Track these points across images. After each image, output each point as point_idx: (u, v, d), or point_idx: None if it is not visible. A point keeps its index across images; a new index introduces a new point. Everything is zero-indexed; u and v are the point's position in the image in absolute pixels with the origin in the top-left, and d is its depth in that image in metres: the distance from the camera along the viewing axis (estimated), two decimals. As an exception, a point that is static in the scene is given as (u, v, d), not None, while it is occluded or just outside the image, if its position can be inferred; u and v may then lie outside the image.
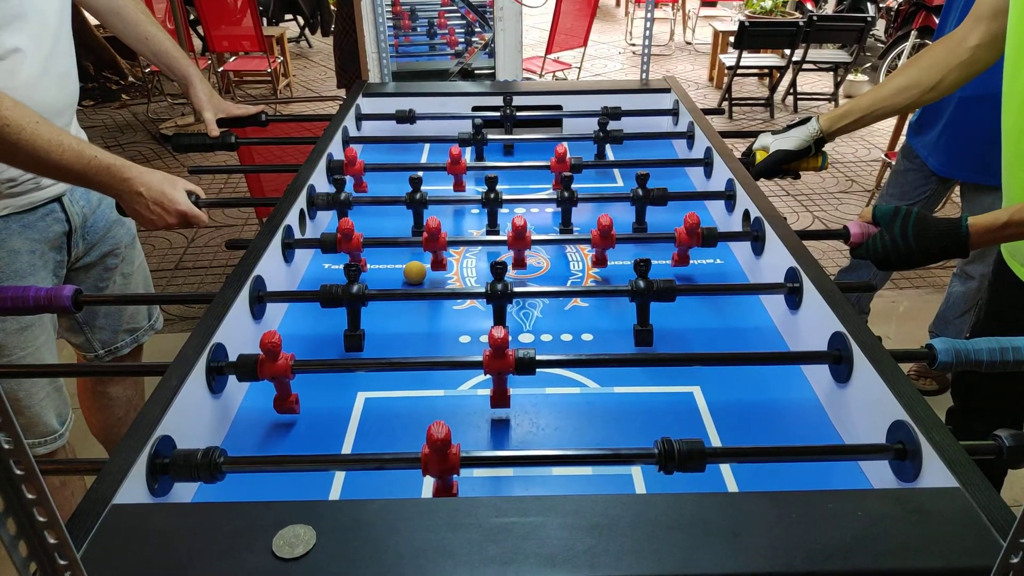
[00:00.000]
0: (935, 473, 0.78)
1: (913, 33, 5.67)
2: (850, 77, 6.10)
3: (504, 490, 0.91)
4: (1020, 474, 2.15)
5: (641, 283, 1.14)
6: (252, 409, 1.05)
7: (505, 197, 1.49)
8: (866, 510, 0.69)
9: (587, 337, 1.22)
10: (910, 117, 2.46)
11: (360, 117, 2.01)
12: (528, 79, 4.91)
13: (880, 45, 6.72)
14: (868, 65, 6.62)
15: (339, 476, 0.92)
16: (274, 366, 0.95)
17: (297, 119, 2.05)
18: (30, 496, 0.47)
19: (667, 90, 2.12)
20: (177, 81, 1.71)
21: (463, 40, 2.75)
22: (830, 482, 0.91)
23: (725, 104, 5.88)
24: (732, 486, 0.90)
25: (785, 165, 1.55)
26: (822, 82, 6.70)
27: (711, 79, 6.96)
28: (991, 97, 1.43)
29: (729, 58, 5.95)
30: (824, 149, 1.56)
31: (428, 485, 0.88)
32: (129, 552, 0.66)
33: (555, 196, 1.49)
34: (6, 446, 0.45)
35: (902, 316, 3.25)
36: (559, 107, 2.09)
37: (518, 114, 1.97)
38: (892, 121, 4.10)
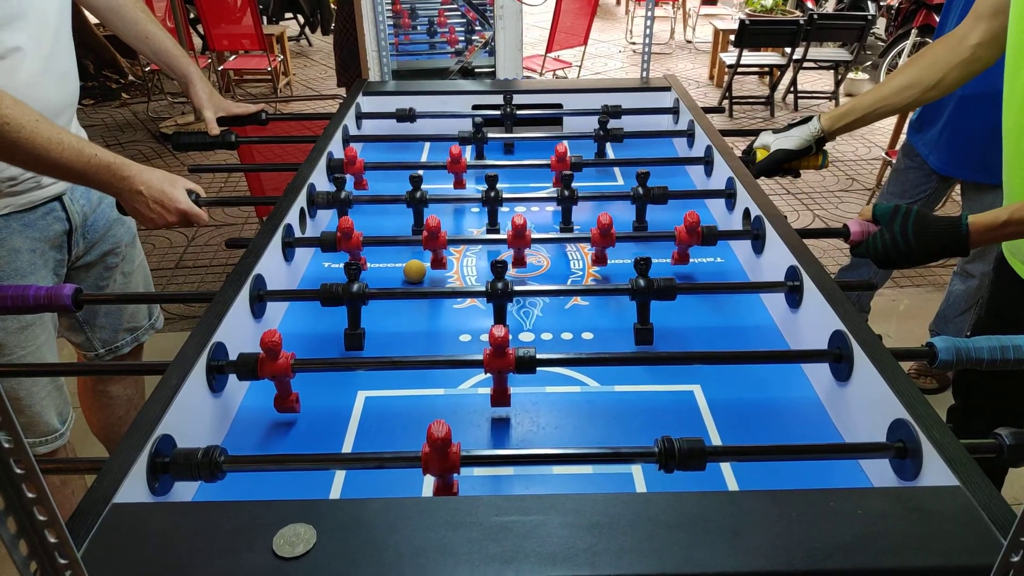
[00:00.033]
0: (936, 471, 0.78)
1: (914, 31, 5.66)
2: (851, 75, 6.09)
3: (504, 489, 0.91)
4: (1021, 472, 2.15)
5: (641, 282, 1.14)
6: (252, 408, 1.05)
7: (505, 196, 1.49)
8: (867, 509, 0.69)
9: (587, 336, 1.22)
10: (911, 115, 2.46)
11: (360, 116, 2.01)
12: (528, 77, 4.91)
13: (881, 43, 6.71)
14: (869, 63, 6.62)
15: (339, 475, 0.92)
16: (274, 365, 0.95)
17: (297, 118, 2.05)
18: (30, 495, 0.47)
19: (667, 88, 2.12)
20: (177, 80, 1.71)
21: (463, 39, 2.75)
22: (830, 481, 0.91)
23: (725, 102, 5.88)
24: (732, 485, 0.90)
25: (786, 164, 1.55)
26: (822, 80, 6.69)
27: (711, 77, 6.96)
28: (992, 95, 1.43)
29: (729, 56, 5.94)
30: (824, 148, 1.56)
31: (428, 484, 0.88)
32: (129, 551, 0.66)
33: (555, 195, 1.49)
34: (6, 445, 0.45)
35: (902, 314, 3.25)
36: (559, 106, 2.09)
37: (518, 113, 1.97)
38: (893, 119, 4.10)
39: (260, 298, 1.17)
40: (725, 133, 1.80)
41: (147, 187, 1.31)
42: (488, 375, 0.98)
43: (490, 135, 1.86)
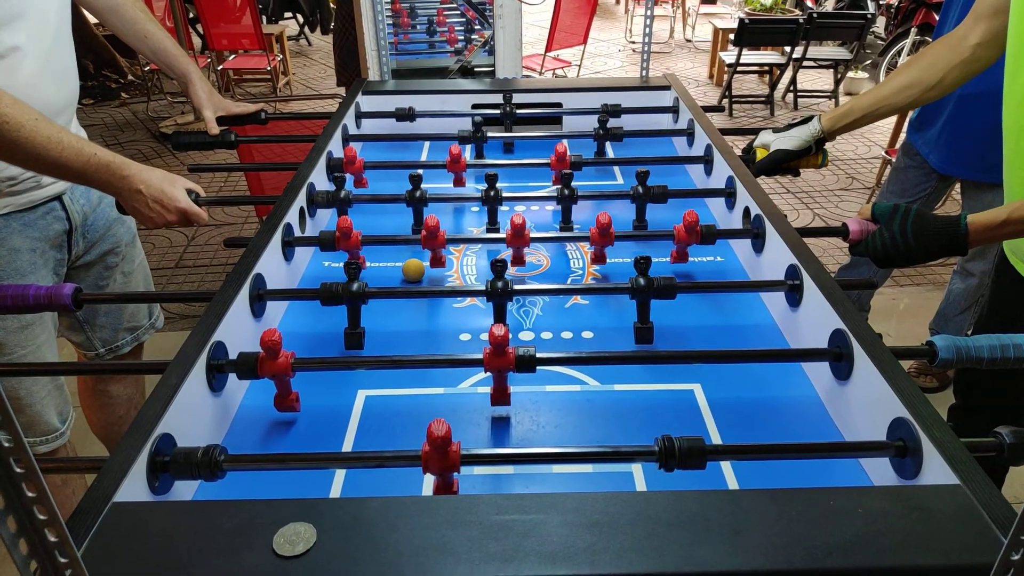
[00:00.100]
0: (936, 470, 0.78)
1: (913, 30, 5.67)
2: (850, 74, 6.10)
3: (504, 488, 0.91)
4: (1021, 471, 2.16)
5: (641, 280, 1.14)
6: (252, 407, 1.05)
7: (505, 195, 1.48)
8: (867, 507, 0.69)
9: (587, 335, 1.22)
10: (911, 114, 2.46)
11: (360, 115, 2.00)
12: (528, 77, 4.91)
13: (880, 42, 6.71)
14: (868, 62, 6.61)
15: (339, 474, 0.92)
16: (274, 364, 0.95)
17: (297, 117, 2.05)
18: (30, 494, 0.47)
19: (667, 87, 2.12)
20: (176, 79, 1.71)
21: (463, 38, 2.75)
22: (831, 479, 0.91)
23: (725, 101, 5.87)
24: (733, 483, 0.90)
25: (785, 164, 1.55)
26: (822, 79, 6.69)
27: (711, 76, 6.96)
28: (992, 94, 1.43)
29: (729, 55, 5.95)
30: (824, 147, 1.56)
31: (428, 483, 0.88)
32: (129, 550, 0.66)
33: (555, 194, 1.49)
34: (6, 444, 0.45)
35: (902, 313, 3.25)
36: (559, 105, 2.09)
37: (518, 112, 1.97)
38: (893, 118, 4.09)
39: (260, 297, 1.17)
40: (725, 132, 1.80)
41: (147, 186, 1.31)
42: (488, 374, 0.98)
43: (490, 134, 1.85)
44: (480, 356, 0.96)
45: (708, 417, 1.02)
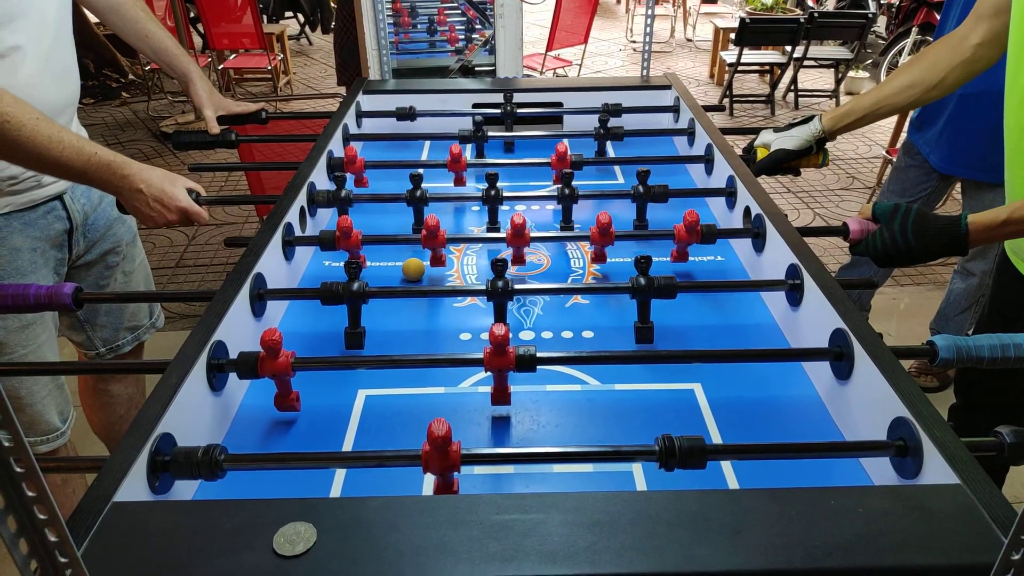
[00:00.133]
0: (936, 470, 0.77)
1: (914, 30, 5.66)
2: (851, 74, 6.09)
3: (505, 487, 0.91)
4: (1021, 471, 2.16)
5: (642, 280, 1.14)
6: (253, 407, 1.05)
7: (505, 194, 1.48)
8: (867, 507, 0.69)
9: (588, 334, 1.22)
10: (911, 114, 2.46)
11: (360, 114, 2.00)
12: (528, 76, 4.90)
13: (881, 42, 6.70)
14: (869, 62, 6.61)
15: (340, 473, 0.92)
16: (275, 363, 0.95)
17: (297, 116, 2.05)
18: (31, 494, 0.47)
19: (668, 87, 2.12)
20: (177, 79, 1.71)
21: (463, 37, 2.75)
22: (831, 479, 0.91)
23: (726, 101, 5.87)
24: (733, 483, 0.90)
25: (786, 164, 1.55)
26: (823, 79, 6.69)
27: (712, 76, 6.95)
28: (993, 94, 1.43)
29: (730, 55, 5.94)
30: (825, 146, 1.56)
31: (429, 482, 0.88)
32: (130, 550, 0.66)
33: (555, 193, 1.49)
34: (7, 444, 0.45)
35: (903, 313, 3.25)
36: (560, 104, 2.09)
37: (518, 111, 1.97)
38: (893, 118, 4.09)
39: (260, 297, 1.17)
40: (725, 131, 1.80)
41: (147, 185, 1.31)
42: (488, 373, 0.98)
43: (490, 133, 1.85)
44: (480, 356, 0.96)
45: (708, 417, 1.02)
